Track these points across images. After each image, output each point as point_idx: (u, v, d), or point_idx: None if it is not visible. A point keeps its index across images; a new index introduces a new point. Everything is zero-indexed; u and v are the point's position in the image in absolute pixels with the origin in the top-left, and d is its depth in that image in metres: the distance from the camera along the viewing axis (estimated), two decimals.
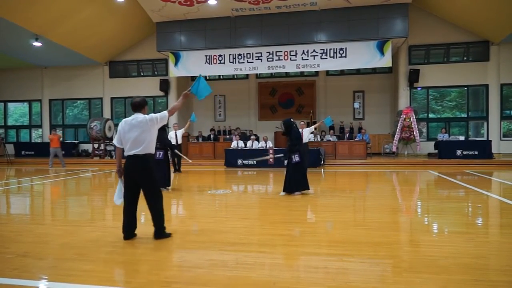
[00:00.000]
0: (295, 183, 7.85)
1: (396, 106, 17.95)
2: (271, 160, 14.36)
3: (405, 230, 5.23)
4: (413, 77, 17.37)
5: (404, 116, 16.09)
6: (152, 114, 4.61)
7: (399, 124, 16.16)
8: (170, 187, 8.84)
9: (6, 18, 14.03)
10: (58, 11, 15.17)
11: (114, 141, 4.65)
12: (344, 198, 7.73)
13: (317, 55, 16.12)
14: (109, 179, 11.84)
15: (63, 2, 14.88)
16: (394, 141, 16.34)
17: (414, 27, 17.36)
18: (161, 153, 8.60)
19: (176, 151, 11.15)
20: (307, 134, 11.97)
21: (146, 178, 4.49)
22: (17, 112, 22.85)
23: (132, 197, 4.56)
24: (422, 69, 17.74)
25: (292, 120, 8.05)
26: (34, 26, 15.27)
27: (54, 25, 15.77)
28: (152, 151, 4.55)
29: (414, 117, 16.09)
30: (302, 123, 12.33)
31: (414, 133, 15.98)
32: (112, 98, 20.75)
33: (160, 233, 4.59)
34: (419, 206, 6.84)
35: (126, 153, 4.52)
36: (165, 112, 4.60)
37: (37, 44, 16.43)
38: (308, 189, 7.94)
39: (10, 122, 22.66)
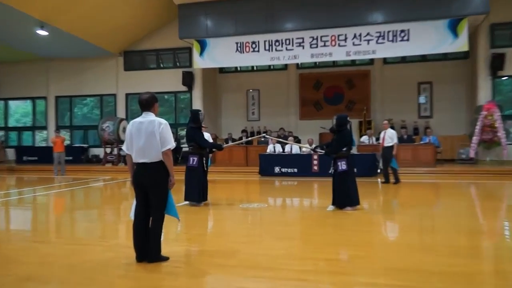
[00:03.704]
0: (344, 197, 7.76)
1: (474, 100, 17.40)
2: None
3: (488, 257, 5.03)
4: (497, 63, 16.73)
5: (485, 113, 15.58)
6: (166, 126, 4.60)
7: (478, 123, 15.67)
8: (203, 202, 8.53)
9: (7, 3, 14.56)
10: None
11: (123, 147, 4.79)
12: (406, 215, 7.53)
13: (372, 39, 15.87)
14: (124, 190, 12.11)
15: None
16: (472, 145, 15.85)
17: (497, 0, 16.71)
18: (195, 158, 8.34)
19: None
20: (389, 137, 11.79)
21: (153, 190, 4.59)
22: (19, 111, 23.88)
23: (143, 209, 4.66)
24: (509, 53, 17.05)
25: (348, 118, 7.99)
26: (39, 12, 15.81)
27: (62, 10, 16.27)
28: (161, 158, 4.61)
29: (499, 114, 15.54)
30: (385, 122, 12.23)
31: (499, 134, 15.43)
32: (127, 95, 21.33)
33: (155, 255, 4.65)
34: (506, 228, 6.56)
35: (134, 161, 4.64)
36: (172, 143, 4.62)
37: (42, 32, 17.09)
38: (358, 204, 7.84)
39: (11, 123, 23.66)
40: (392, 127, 17.91)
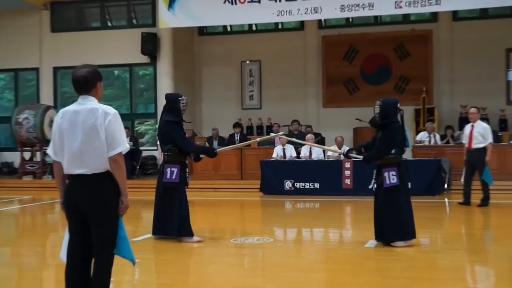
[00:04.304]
0: (393, 226, 7.73)
1: None
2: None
3: None
4: None
5: None
6: (115, 118, 4.53)
7: None
8: (195, 237, 8.39)
9: None
10: None
11: (49, 151, 4.71)
12: (491, 255, 7.52)
13: None
14: (51, 216, 12.07)
15: None
16: None
17: None
18: (175, 170, 8.25)
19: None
20: (480, 134, 11.54)
21: (96, 217, 4.51)
22: None
23: (81, 247, 4.60)
24: None
25: (399, 105, 7.94)
26: None
27: None
28: (108, 166, 4.55)
29: None
30: (473, 110, 11.99)
31: None
32: (55, 69, 21.23)
33: None
34: None
35: (65, 171, 4.57)
36: (125, 145, 4.53)
37: None
38: (414, 237, 7.81)
39: None
40: (487, 119, 17.71)
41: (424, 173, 13.76)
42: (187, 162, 8.74)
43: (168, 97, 8.59)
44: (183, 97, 8.45)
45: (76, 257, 4.60)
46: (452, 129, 17.28)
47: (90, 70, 4.64)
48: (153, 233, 8.41)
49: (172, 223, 8.21)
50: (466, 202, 11.74)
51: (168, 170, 8.23)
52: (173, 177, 8.21)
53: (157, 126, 9.41)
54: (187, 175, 8.49)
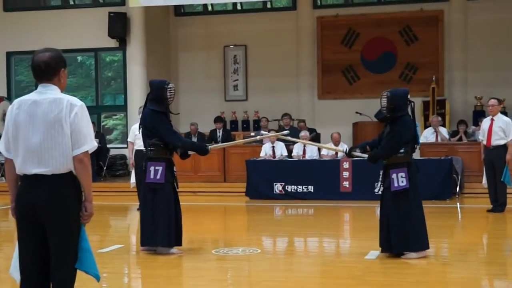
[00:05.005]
0: (403, 235, 7.74)
1: None
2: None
3: None
4: None
5: None
6: (81, 111, 4.42)
7: None
8: (175, 250, 8.37)
9: None
10: None
11: (0, 147, 4.59)
12: (511, 267, 7.54)
13: None
14: (4, 225, 12.03)
15: None
16: None
17: None
18: (159, 169, 8.21)
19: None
20: (500, 129, 11.49)
21: (55, 225, 4.42)
22: None
23: (37, 261, 4.53)
24: None
25: (409, 96, 7.91)
26: None
27: None
28: (72, 167, 4.49)
29: None
30: (493, 101, 11.87)
31: None
32: (9, 54, 21.18)
33: None
34: None
35: (19, 171, 4.48)
36: (93, 143, 4.47)
37: None
38: (427, 247, 7.85)
39: None
40: (505, 113, 17.77)
41: (433, 174, 13.72)
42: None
43: (152, 84, 8.47)
44: (170, 84, 8.34)
45: (31, 275, 4.45)
46: (465, 124, 17.33)
47: (53, 54, 4.53)
48: (142, 244, 8.30)
49: (161, 232, 8.12)
50: (496, 209, 11.57)
51: (152, 168, 8.16)
52: (158, 177, 8.14)
53: (139, 117, 9.23)
54: (174, 174, 8.39)
